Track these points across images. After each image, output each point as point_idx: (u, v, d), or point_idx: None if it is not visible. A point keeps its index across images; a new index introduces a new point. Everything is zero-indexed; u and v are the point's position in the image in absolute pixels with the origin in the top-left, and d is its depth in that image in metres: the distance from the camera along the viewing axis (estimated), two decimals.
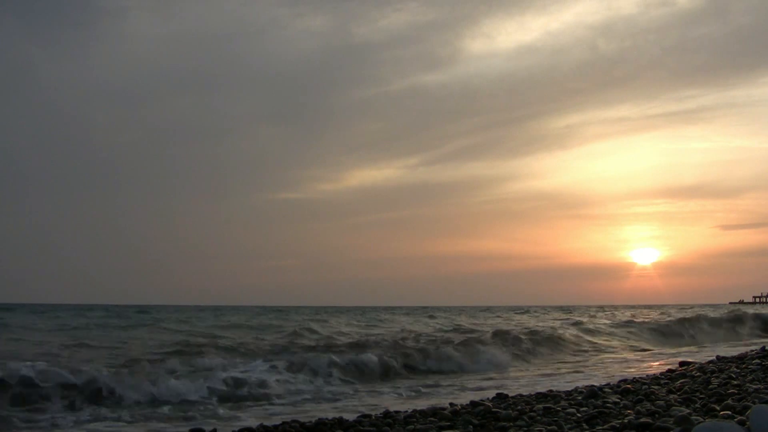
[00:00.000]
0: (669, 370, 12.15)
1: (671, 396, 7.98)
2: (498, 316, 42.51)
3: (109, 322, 28.36)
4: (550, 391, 9.51)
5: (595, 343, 22.39)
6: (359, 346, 17.14)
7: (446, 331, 24.76)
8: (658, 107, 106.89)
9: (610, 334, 25.24)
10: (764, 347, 15.09)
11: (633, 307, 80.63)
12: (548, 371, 14.61)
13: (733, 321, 30.38)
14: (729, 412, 6.23)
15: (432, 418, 7.35)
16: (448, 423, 6.95)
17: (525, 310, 58.31)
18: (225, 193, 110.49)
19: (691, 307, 78.56)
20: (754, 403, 6.45)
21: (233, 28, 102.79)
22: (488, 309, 70.11)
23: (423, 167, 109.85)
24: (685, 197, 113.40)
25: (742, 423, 4.99)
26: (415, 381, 13.21)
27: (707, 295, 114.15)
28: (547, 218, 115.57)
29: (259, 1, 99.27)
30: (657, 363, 15.80)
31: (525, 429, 6.36)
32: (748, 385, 8.45)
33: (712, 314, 33.97)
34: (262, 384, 11.31)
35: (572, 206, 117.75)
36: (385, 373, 13.85)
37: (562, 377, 13.11)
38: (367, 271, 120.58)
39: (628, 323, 29.27)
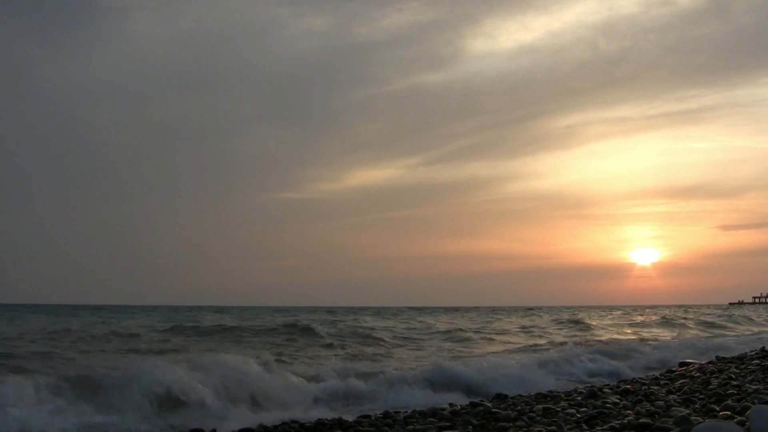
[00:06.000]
0: (669, 371, 12.14)
1: (671, 396, 7.98)
2: None
3: None
4: (550, 391, 9.50)
5: None
6: None
7: None
8: (658, 107, 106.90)
9: None
10: (764, 347, 15.07)
11: (629, 307, 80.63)
12: None
13: None
14: (729, 413, 6.23)
15: (432, 419, 7.34)
16: (448, 423, 6.94)
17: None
18: (225, 192, 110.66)
19: (691, 307, 78.59)
20: (753, 403, 6.45)
21: (234, 28, 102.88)
22: (492, 309, 70.14)
23: (424, 167, 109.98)
24: (685, 197, 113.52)
25: (741, 423, 4.98)
26: None
27: (707, 296, 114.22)
28: (548, 218, 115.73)
29: (261, 1, 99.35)
30: None
31: (525, 429, 6.35)
32: (747, 385, 8.44)
33: None
34: None
35: (572, 206, 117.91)
36: None
37: None
38: (368, 270, 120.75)
39: None
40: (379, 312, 52.05)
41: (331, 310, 56.02)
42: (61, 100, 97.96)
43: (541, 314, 48.06)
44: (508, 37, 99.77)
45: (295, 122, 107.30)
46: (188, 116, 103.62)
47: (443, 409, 7.94)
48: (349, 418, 7.67)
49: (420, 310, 64.47)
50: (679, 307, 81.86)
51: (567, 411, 7.22)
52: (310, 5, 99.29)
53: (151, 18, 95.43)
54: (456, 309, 68.71)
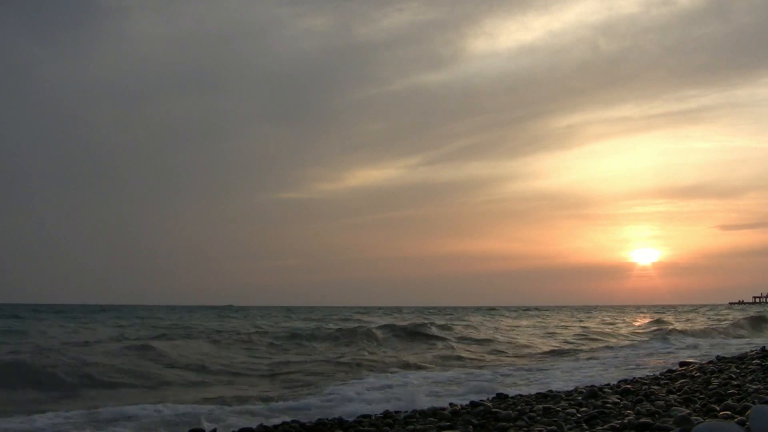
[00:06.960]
0: (669, 370, 12.14)
1: (671, 396, 7.97)
2: None
3: None
4: (550, 391, 9.50)
5: None
6: None
7: None
8: (658, 107, 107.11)
9: None
10: (764, 347, 15.07)
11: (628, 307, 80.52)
12: None
13: None
14: (729, 413, 6.23)
15: (432, 418, 7.33)
16: (448, 423, 6.93)
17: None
18: (225, 192, 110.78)
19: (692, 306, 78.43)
20: (754, 403, 6.45)
21: (235, 28, 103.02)
22: (492, 309, 70.05)
23: (424, 167, 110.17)
24: (686, 197, 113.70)
25: (742, 423, 4.98)
26: None
27: (707, 295, 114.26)
28: (548, 218, 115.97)
29: (261, 1, 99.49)
30: None
31: (525, 429, 6.34)
32: (748, 385, 8.44)
33: None
34: None
35: (573, 206, 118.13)
36: None
37: None
38: (368, 270, 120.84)
39: None
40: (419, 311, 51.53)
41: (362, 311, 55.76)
42: (61, 100, 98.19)
43: (549, 314, 48.08)
44: (508, 37, 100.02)
45: (295, 122, 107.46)
46: (188, 116, 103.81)
47: (443, 409, 7.93)
48: (349, 417, 7.64)
49: (431, 309, 64.35)
50: (695, 306, 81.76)
51: (567, 411, 7.22)
52: (310, 5, 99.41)
53: (151, 18, 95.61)
54: (472, 309, 68.70)
